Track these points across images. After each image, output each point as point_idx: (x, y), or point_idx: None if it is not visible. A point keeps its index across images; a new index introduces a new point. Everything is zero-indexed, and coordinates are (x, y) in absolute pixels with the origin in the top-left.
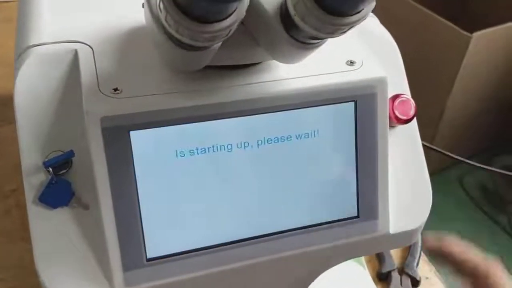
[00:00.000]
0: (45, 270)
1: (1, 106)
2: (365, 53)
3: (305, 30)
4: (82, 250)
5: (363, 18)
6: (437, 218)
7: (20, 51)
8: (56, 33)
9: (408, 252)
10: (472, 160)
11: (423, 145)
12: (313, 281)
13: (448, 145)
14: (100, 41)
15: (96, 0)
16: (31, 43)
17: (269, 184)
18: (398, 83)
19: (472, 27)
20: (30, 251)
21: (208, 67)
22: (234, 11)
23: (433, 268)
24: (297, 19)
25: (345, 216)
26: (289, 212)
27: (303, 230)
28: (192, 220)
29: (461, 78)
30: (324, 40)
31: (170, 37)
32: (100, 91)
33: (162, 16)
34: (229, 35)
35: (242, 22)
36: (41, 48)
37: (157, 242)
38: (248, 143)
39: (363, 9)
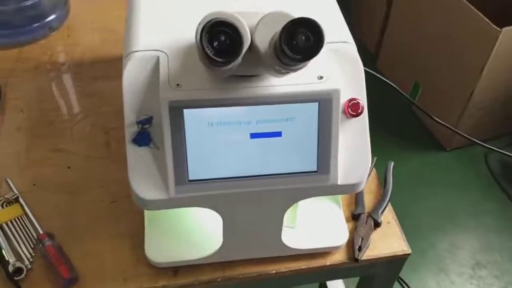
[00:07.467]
0: (133, 179)
1: (105, 64)
2: (333, 71)
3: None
4: (154, 171)
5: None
6: (456, 189)
7: (126, 54)
8: (147, 42)
9: (378, 202)
10: (497, 140)
11: (449, 129)
12: (288, 208)
13: (475, 125)
14: (173, 50)
15: (174, 17)
16: (133, 50)
17: (264, 145)
18: (356, 91)
19: (503, 22)
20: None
21: (231, 76)
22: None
23: (395, 216)
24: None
25: (309, 170)
26: (277, 163)
27: (285, 175)
28: (216, 160)
29: (490, 67)
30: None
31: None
32: (170, 85)
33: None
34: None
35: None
36: (138, 53)
37: (195, 171)
38: (250, 122)
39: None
